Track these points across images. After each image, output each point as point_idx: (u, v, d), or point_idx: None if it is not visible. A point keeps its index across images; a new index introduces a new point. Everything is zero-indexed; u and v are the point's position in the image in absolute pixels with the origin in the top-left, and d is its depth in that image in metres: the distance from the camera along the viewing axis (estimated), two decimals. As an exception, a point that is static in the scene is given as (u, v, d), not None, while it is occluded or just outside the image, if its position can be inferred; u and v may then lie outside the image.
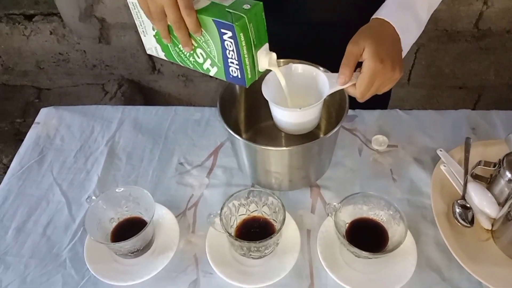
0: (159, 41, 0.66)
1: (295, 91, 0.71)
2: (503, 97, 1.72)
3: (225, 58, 0.62)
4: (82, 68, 1.78)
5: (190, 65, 0.66)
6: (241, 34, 0.57)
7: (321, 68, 0.75)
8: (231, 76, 0.64)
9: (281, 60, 0.77)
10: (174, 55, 0.67)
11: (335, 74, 0.68)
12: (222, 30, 0.58)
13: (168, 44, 0.65)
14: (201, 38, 0.61)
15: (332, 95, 0.70)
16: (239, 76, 0.63)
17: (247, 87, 0.65)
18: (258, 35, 0.60)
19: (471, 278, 0.67)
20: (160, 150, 0.89)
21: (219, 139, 0.90)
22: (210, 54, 0.63)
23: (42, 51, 1.74)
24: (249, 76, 0.63)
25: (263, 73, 0.66)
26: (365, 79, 0.64)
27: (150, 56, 1.71)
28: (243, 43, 0.59)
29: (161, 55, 0.68)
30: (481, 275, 0.66)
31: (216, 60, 0.63)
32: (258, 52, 0.62)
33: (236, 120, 0.85)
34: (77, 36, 1.67)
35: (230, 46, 0.60)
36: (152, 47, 0.68)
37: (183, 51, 0.64)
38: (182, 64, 0.67)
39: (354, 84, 0.66)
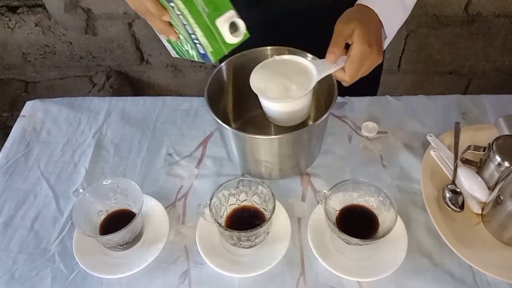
0: (168, 41, 0.65)
1: (283, 82, 0.70)
2: (493, 81, 1.73)
3: (191, 36, 0.59)
4: (69, 60, 1.76)
5: (186, 55, 0.65)
6: (179, 1, 0.54)
7: (309, 56, 0.75)
8: (202, 54, 0.60)
9: (269, 47, 0.77)
10: (177, 50, 0.66)
11: (322, 60, 0.68)
12: (171, 4, 0.56)
13: (171, 40, 0.64)
14: (174, 22, 0.59)
15: (320, 82, 0.69)
16: (204, 52, 0.59)
17: (213, 62, 0.61)
18: (210, 2, 0.56)
19: (462, 263, 0.67)
20: (149, 141, 0.88)
21: (208, 129, 0.89)
22: (185, 37, 0.60)
23: (27, 43, 1.71)
24: (211, 49, 0.58)
25: (236, 47, 0.62)
26: (354, 62, 0.64)
27: (138, 46, 1.68)
28: (186, 11, 0.55)
29: (174, 54, 0.68)
30: (471, 259, 0.66)
31: (190, 41, 0.60)
32: (218, 21, 0.57)
33: (225, 110, 0.84)
34: (62, 27, 1.64)
35: (184, 20, 0.56)
36: (170, 50, 0.68)
37: (178, 43, 0.63)
38: (185, 58, 0.66)
39: (342, 68, 0.66)
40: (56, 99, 0.98)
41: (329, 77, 0.70)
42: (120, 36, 1.64)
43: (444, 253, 0.69)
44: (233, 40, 0.60)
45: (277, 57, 0.72)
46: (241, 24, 0.60)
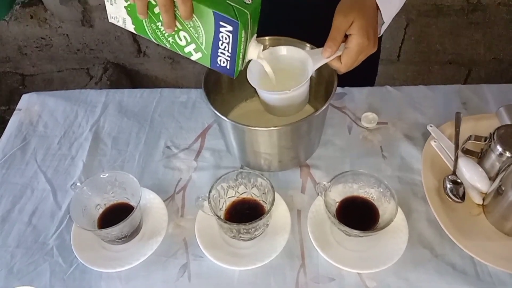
0: (130, 13, 0.62)
1: (281, 74, 0.69)
2: (493, 71, 1.71)
3: (215, 47, 0.60)
4: (66, 53, 1.74)
5: (167, 44, 0.63)
6: (243, 31, 0.56)
7: (308, 45, 0.74)
8: (217, 65, 0.62)
9: (267, 37, 0.76)
10: (147, 31, 0.63)
11: (318, 50, 0.67)
12: (221, 23, 0.56)
13: (143, 20, 0.62)
14: (189, 23, 0.59)
15: (320, 73, 0.69)
16: (228, 67, 0.62)
17: (234, 78, 0.63)
18: (252, 28, 0.59)
19: (463, 254, 0.66)
20: (146, 133, 0.87)
21: (207, 121, 0.88)
22: (197, 40, 0.61)
23: (23, 36, 1.69)
24: (239, 68, 0.62)
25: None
26: (351, 55, 0.64)
27: (135, 38, 1.67)
28: (242, 39, 0.58)
29: (130, 27, 0.64)
30: (473, 250, 0.66)
31: (203, 47, 0.61)
32: (249, 44, 0.62)
33: (223, 101, 0.82)
34: (58, 19, 1.62)
35: (226, 39, 0.58)
36: (119, 17, 0.64)
37: (162, 29, 0.62)
38: (155, 41, 0.64)
39: (338, 57, 0.66)
40: (53, 92, 0.97)
41: (329, 67, 0.69)
42: (117, 27, 1.60)
43: (445, 244, 0.68)
44: (251, 58, 0.64)
45: (272, 49, 0.71)
46: (261, 47, 0.64)
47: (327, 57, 0.65)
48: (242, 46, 0.59)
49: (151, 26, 0.62)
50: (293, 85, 0.67)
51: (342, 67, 0.66)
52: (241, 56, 0.61)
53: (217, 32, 0.58)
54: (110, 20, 0.65)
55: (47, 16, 1.62)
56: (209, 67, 0.63)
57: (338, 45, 0.64)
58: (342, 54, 0.65)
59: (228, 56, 0.60)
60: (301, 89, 0.68)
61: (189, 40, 0.61)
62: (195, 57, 0.63)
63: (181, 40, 0.62)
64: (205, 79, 0.73)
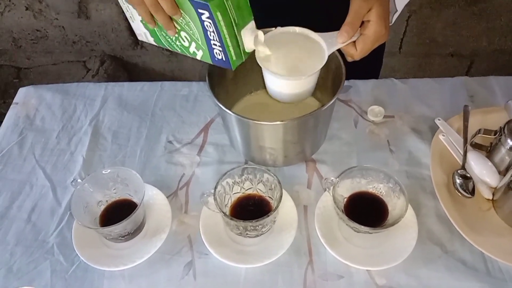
0: (146, 26, 0.63)
1: (287, 56, 0.65)
2: (495, 63, 1.70)
3: (207, 40, 0.58)
4: (62, 45, 1.71)
5: (178, 49, 0.63)
6: (218, 13, 0.54)
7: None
8: (216, 59, 0.61)
9: (273, 28, 0.73)
10: (162, 40, 0.63)
11: (331, 34, 0.64)
12: (199, 11, 0.54)
13: (155, 29, 0.62)
14: (182, 20, 0.57)
15: (327, 65, 0.66)
16: (224, 59, 0.60)
17: (233, 70, 0.61)
18: (240, 13, 0.56)
19: (473, 249, 0.65)
20: (148, 128, 0.85)
21: (209, 114, 0.86)
22: (194, 37, 0.59)
23: (18, 28, 1.65)
24: (234, 58, 0.60)
25: (251, 54, 0.63)
26: (368, 43, 0.63)
27: (132, 30, 1.64)
28: (222, 23, 0.55)
29: (151, 40, 0.65)
30: (483, 246, 0.64)
31: (200, 43, 0.60)
32: (242, 31, 0.59)
33: (226, 94, 0.80)
34: (54, 10, 1.59)
35: (210, 27, 0.56)
36: (141, 32, 0.65)
37: (169, 35, 0.61)
38: (171, 49, 0.64)
39: (352, 43, 0.64)
40: (50, 85, 0.94)
41: (336, 59, 0.67)
42: (113, 19, 1.60)
43: (454, 240, 0.67)
44: (250, 48, 0.61)
45: (284, 28, 0.67)
46: (260, 34, 0.61)
47: (342, 42, 0.62)
48: (225, 32, 0.56)
49: (162, 34, 0.62)
50: (302, 69, 0.63)
51: (357, 53, 0.64)
52: (229, 44, 0.58)
53: (202, 22, 0.56)
54: (138, 38, 0.67)
55: (42, 8, 1.58)
56: (212, 63, 0.62)
57: (356, 30, 0.62)
58: (358, 40, 0.63)
59: (220, 46, 0.58)
60: (313, 76, 0.65)
61: (189, 39, 0.60)
62: (199, 55, 0.62)
63: (184, 41, 0.61)
64: (209, 71, 0.71)
